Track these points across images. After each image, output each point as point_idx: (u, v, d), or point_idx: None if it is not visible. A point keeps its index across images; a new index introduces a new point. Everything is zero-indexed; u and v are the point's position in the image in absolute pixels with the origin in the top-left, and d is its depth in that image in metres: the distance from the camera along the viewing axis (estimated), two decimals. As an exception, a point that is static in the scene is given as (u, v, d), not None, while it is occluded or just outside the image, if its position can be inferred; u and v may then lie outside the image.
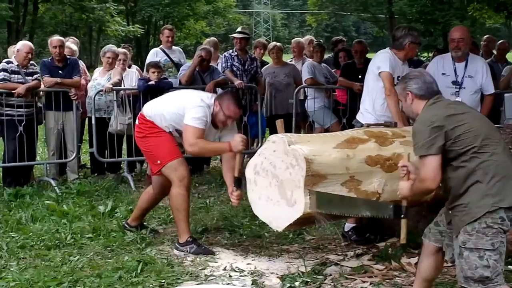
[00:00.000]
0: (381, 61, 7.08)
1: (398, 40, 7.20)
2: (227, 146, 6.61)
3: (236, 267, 6.28)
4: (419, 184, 4.68)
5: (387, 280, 5.94)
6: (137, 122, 7.15)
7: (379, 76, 7.01)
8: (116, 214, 8.06)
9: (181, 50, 11.97)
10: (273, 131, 8.80)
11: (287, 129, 9.30)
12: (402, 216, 5.04)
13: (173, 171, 6.78)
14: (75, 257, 6.52)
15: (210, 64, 10.73)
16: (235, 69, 10.81)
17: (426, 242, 5.04)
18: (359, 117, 7.34)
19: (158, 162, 6.85)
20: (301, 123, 11.85)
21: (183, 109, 6.68)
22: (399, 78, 6.86)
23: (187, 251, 6.66)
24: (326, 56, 12.47)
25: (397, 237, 6.94)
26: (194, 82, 10.22)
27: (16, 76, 9.62)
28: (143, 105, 7.48)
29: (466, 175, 4.52)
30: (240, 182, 6.63)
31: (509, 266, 6.07)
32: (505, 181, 4.46)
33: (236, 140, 6.54)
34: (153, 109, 6.98)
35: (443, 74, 7.71)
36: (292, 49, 12.75)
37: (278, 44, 12.08)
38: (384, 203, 5.44)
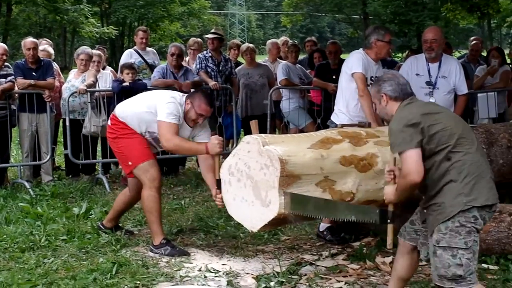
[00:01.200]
0: (354, 62, 7.11)
1: (366, 39, 7.29)
2: (204, 148, 6.57)
3: (211, 267, 6.28)
4: (402, 181, 4.62)
5: (362, 280, 5.97)
6: (109, 122, 7.15)
7: (352, 77, 7.04)
8: (90, 216, 8.03)
9: (155, 51, 11.92)
10: (248, 132, 8.81)
11: (263, 130, 9.34)
12: (388, 221, 4.95)
13: (144, 172, 6.78)
14: (49, 259, 6.49)
15: (183, 64, 10.73)
16: (209, 70, 10.78)
17: (401, 241, 5.07)
18: (334, 117, 7.37)
19: (130, 163, 6.86)
20: (276, 123, 11.88)
21: (154, 107, 6.70)
22: (372, 79, 6.93)
23: (161, 253, 6.65)
24: (301, 57, 12.48)
25: (371, 236, 7.01)
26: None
27: (-11, 78, 9.56)
28: (117, 107, 7.47)
29: (440, 174, 4.55)
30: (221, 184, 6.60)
31: (483, 265, 6.13)
32: (478, 180, 4.51)
33: (213, 142, 6.49)
34: (125, 110, 6.98)
35: (417, 74, 7.77)
36: (268, 51, 12.75)
37: (251, 45, 12.08)
38: (370, 208, 5.42)
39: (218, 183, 6.29)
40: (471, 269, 4.50)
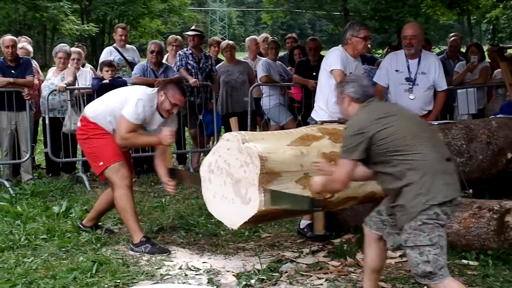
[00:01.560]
0: (333, 59, 7.12)
1: (343, 35, 7.32)
2: (157, 140, 6.78)
3: (192, 265, 6.26)
4: (329, 182, 4.91)
5: (342, 276, 5.97)
6: (79, 124, 7.16)
7: (331, 73, 7.05)
8: (71, 215, 7.99)
9: (135, 48, 11.87)
10: (229, 129, 8.81)
11: (243, 127, 9.33)
12: (317, 208, 5.32)
13: (115, 172, 6.81)
14: (29, 258, 6.45)
15: (163, 62, 10.73)
16: (190, 67, 10.77)
17: (367, 230, 5.13)
18: (314, 114, 7.38)
19: (101, 163, 6.89)
20: (257, 120, 11.88)
21: (126, 99, 6.77)
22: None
23: (142, 251, 6.64)
24: (281, 53, 12.47)
25: (352, 233, 7.02)
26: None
27: (-32, 76, 9.50)
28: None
29: (398, 177, 4.61)
30: (173, 172, 6.91)
31: (463, 260, 6.16)
32: (435, 178, 4.54)
33: (165, 133, 6.69)
34: (95, 109, 7.02)
35: (397, 70, 7.79)
36: (247, 47, 12.76)
37: (231, 42, 12.09)
38: (301, 196, 5.46)
39: (170, 172, 6.84)
40: (440, 264, 4.53)
